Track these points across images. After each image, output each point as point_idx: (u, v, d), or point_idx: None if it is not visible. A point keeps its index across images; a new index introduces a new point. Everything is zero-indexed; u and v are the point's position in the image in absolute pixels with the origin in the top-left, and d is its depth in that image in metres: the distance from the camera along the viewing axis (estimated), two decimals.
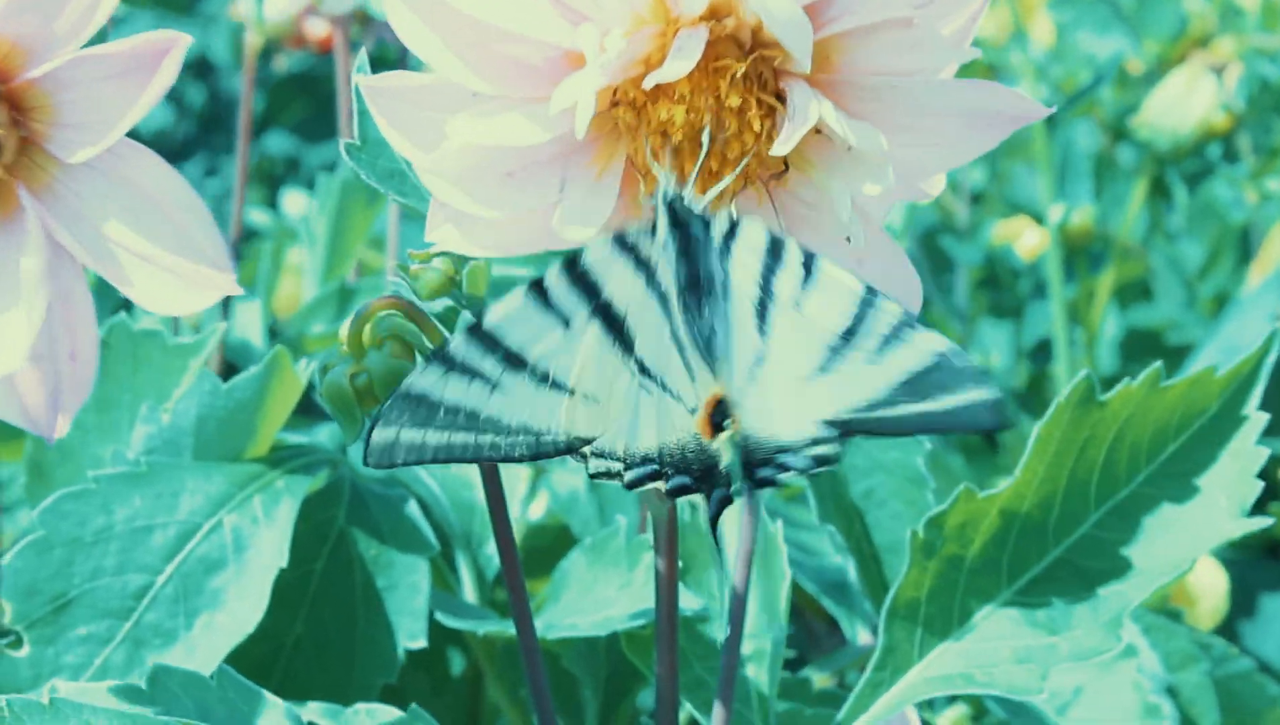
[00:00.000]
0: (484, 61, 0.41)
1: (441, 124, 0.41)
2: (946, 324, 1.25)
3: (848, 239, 0.43)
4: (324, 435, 0.77)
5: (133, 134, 0.40)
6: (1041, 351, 1.27)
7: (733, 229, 0.43)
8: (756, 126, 0.42)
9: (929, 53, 0.41)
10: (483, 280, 0.47)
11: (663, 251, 0.43)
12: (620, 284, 0.43)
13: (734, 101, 0.42)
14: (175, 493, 0.59)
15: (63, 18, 0.38)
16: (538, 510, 0.79)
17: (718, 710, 0.53)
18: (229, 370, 0.87)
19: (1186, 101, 1.12)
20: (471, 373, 0.42)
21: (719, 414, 0.43)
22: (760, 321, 0.43)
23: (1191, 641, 0.73)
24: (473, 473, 0.68)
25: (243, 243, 1.08)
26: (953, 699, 0.69)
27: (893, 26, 0.40)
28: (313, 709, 0.52)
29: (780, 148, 0.41)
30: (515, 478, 0.76)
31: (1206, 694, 0.72)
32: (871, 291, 0.42)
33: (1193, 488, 0.54)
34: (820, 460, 0.43)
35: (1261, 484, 0.53)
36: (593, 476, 0.43)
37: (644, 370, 0.43)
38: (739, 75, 0.41)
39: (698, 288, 0.43)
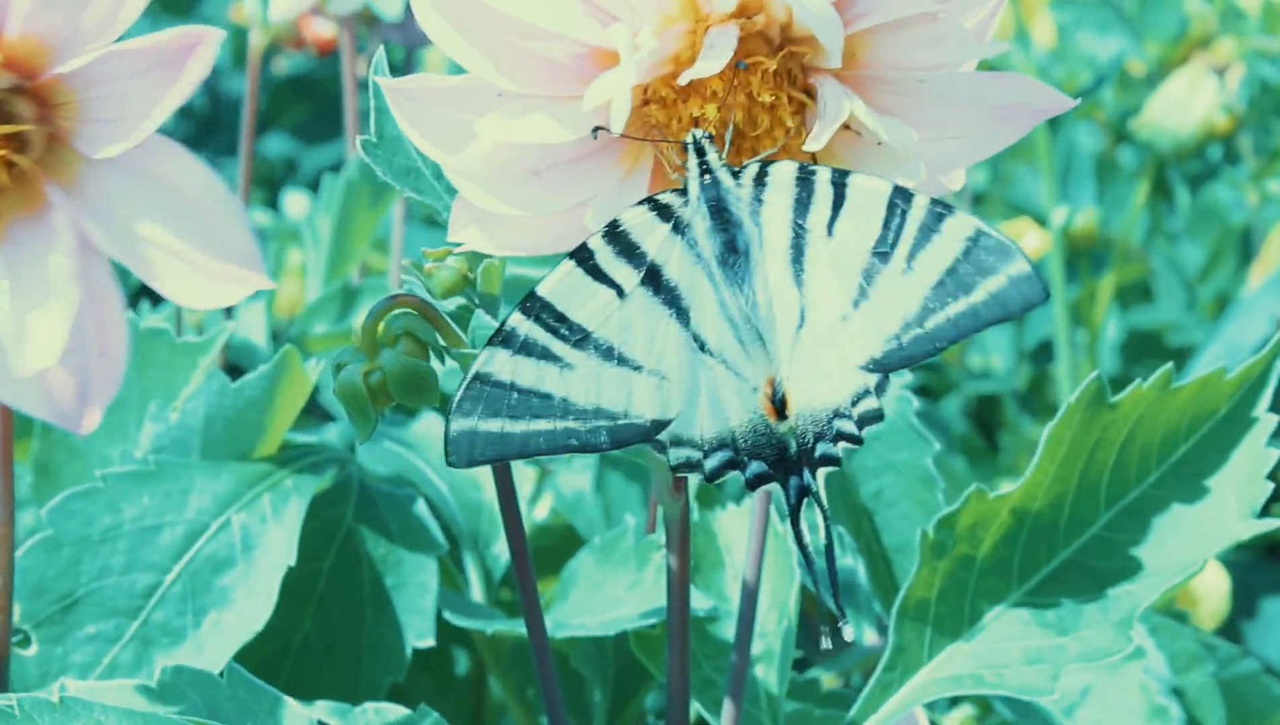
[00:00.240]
0: (511, 59, 0.41)
1: (466, 125, 0.41)
2: None
3: None
4: (330, 435, 0.77)
5: None
6: (1043, 352, 1.27)
7: (762, 176, 0.42)
8: (789, 122, 0.42)
9: (954, 47, 0.41)
10: (497, 279, 0.47)
11: (697, 209, 0.42)
12: (663, 249, 0.42)
13: (766, 98, 0.42)
14: (183, 491, 0.59)
15: (89, 13, 0.38)
16: (542, 510, 0.79)
17: (727, 710, 0.53)
18: (232, 371, 0.86)
19: (1188, 103, 1.12)
20: (537, 351, 0.42)
21: (778, 396, 0.42)
22: (796, 269, 0.42)
23: (1197, 643, 0.73)
24: (481, 472, 0.68)
25: None
26: (957, 700, 0.69)
27: (918, 21, 0.40)
28: (321, 708, 0.52)
29: (813, 144, 0.41)
30: (520, 478, 0.76)
31: (1212, 695, 0.72)
32: (899, 190, 0.41)
33: (1203, 489, 0.54)
34: (865, 419, 0.42)
35: (1272, 486, 0.53)
36: (674, 469, 0.43)
37: (703, 346, 0.43)
38: (770, 72, 0.41)
39: (735, 253, 0.42)
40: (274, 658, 0.62)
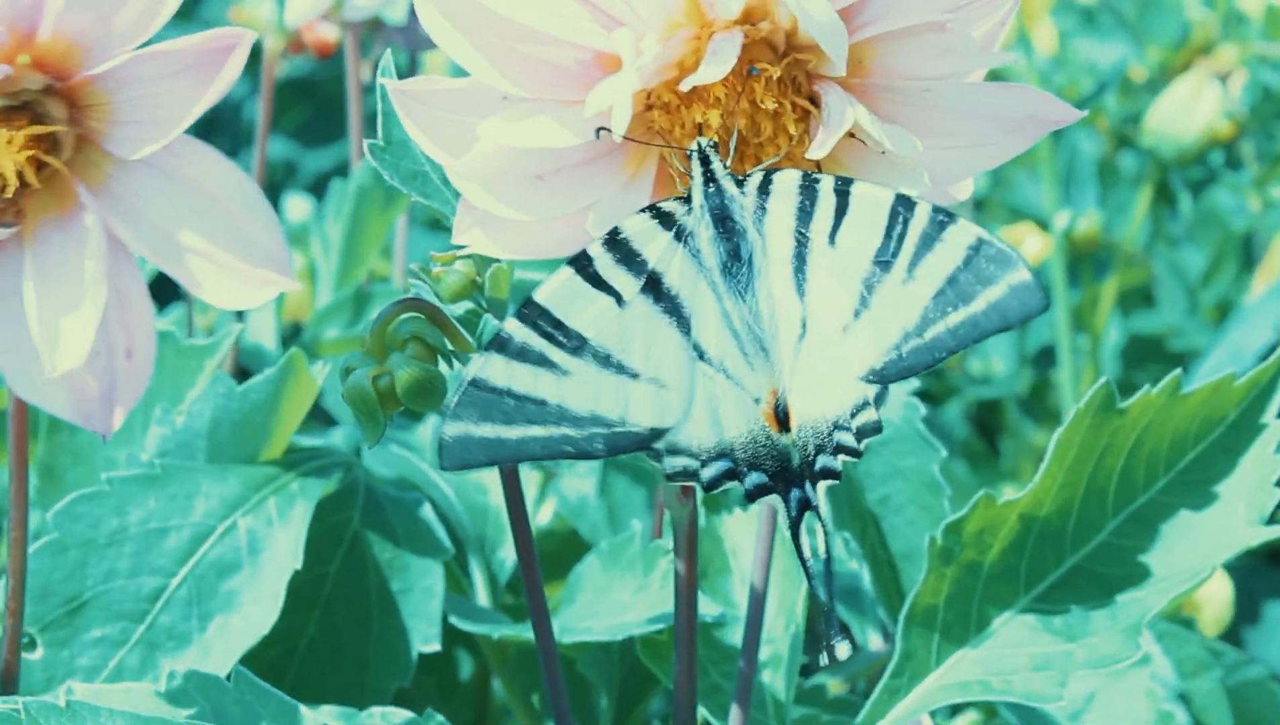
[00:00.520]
0: (515, 63, 0.41)
1: (471, 128, 0.41)
2: None
3: None
4: (336, 439, 0.77)
5: None
6: (1044, 357, 1.27)
7: (765, 184, 0.42)
8: (792, 130, 0.42)
9: (961, 56, 0.40)
10: (505, 283, 0.47)
11: (700, 217, 0.42)
12: (665, 257, 0.42)
13: (769, 105, 0.42)
14: (190, 495, 0.59)
15: (122, 15, 0.38)
16: (546, 514, 0.79)
17: (734, 715, 0.53)
18: (241, 375, 0.86)
19: (1190, 109, 1.12)
20: (533, 357, 0.41)
21: (781, 407, 0.42)
22: (799, 279, 0.42)
23: (1204, 649, 0.73)
24: (487, 476, 0.68)
25: None
26: (960, 706, 0.69)
27: (926, 30, 0.40)
28: (327, 712, 0.51)
29: (816, 152, 0.41)
30: (523, 482, 0.76)
31: (1219, 702, 0.72)
32: (902, 198, 0.41)
33: (1211, 495, 0.54)
34: (864, 432, 0.42)
35: None
36: (669, 477, 0.43)
37: (703, 355, 0.42)
38: (774, 78, 0.41)
39: (738, 262, 0.42)
40: (280, 661, 0.62)
